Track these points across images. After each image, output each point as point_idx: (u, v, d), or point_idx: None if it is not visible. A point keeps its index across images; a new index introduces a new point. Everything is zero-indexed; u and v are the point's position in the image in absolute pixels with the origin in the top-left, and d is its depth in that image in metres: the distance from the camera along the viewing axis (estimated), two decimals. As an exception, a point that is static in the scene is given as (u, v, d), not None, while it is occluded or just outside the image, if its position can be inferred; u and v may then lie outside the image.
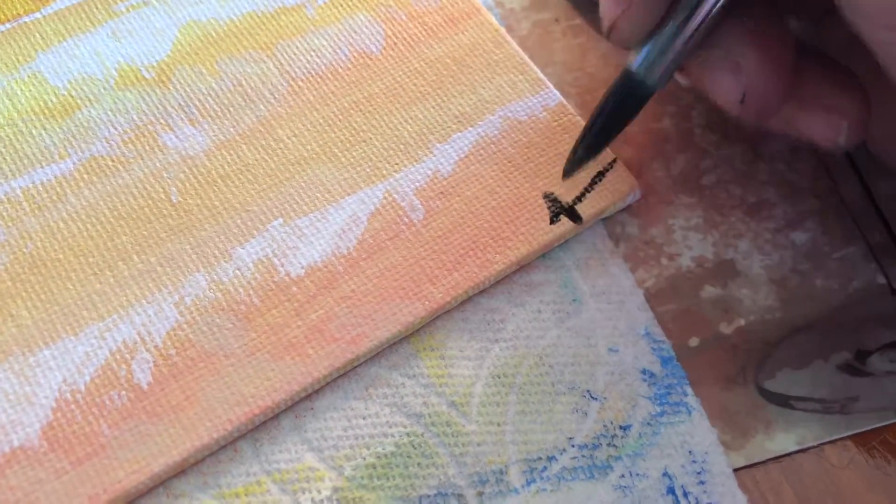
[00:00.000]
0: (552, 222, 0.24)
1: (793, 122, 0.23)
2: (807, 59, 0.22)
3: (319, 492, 0.20)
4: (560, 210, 0.24)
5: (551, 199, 0.24)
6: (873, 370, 0.23)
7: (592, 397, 0.22)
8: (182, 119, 0.25)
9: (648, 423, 0.22)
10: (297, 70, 0.26)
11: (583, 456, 0.22)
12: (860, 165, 0.26)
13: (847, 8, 0.20)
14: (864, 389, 0.23)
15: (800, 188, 0.26)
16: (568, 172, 0.24)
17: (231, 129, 0.25)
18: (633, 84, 0.22)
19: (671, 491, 0.21)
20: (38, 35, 0.26)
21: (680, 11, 0.21)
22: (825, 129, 0.23)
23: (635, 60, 0.22)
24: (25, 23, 0.26)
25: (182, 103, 0.25)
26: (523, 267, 0.24)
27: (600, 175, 0.25)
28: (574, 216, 0.24)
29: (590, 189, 0.24)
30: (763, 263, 0.25)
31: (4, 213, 0.23)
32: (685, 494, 0.21)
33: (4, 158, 0.24)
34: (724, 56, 0.22)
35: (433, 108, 0.25)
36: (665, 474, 0.21)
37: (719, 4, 0.21)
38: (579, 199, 0.24)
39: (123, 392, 0.21)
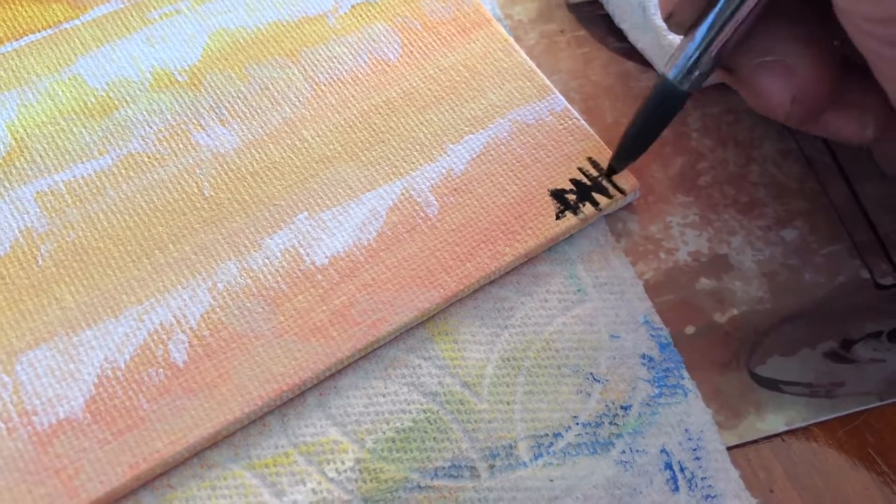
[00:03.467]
0: (558, 218, 0.25)
1: (823, 119, 0.24)
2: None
3: (343, 462, 0.22)
4: (565, 207, 0.26)
5: (558, 197, 0.26)
6: (857, 358, 0.25)
7: (595, 379, 0.24)
8: (213, 119, 0.26)
9: (647, 404, 0.24)
10: (320, 75, 0.28)
11: (586, 433, 0.23)
12: (846, 168, 0.28)
13: (840, 14, 0.21)
14: (848, 375, 0.25)
15: (789, 189, 0.28)
16: (615, 169, 0.26)
17: (259, 130, 0.26)
18: (670, 90, 0.24)
19: (668, 466, 0.23)
20: (77, 40, 0.28)
21: (714, 17, 0.22)
22: (855, 126, 0.24)
23: (672, 68, 0.23)
24: (65, 29, 0.28)
25: (213, 105, 0.27)
26: (531, 259, 0.25)
27: (603, 176, 0.26)
28: (577, 212, 0.26)
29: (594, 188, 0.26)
30: (755, 258, 0.26)
31: (48, 205, 0.25)
32: (682, 469, 0.23)
33: (48, 154, 0.25)
34: (777, 60, 0.23)
35: (447, 111, 0.27)
36: (663, 451, 0.23)
37: (748, 11, 0.22)
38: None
39: (161, 370, 0.22)
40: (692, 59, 0.23)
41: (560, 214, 0.26)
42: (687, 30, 0.23)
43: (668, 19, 0.24)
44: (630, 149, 0.25)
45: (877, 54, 0.21)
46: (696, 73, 0.23)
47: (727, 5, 0.22)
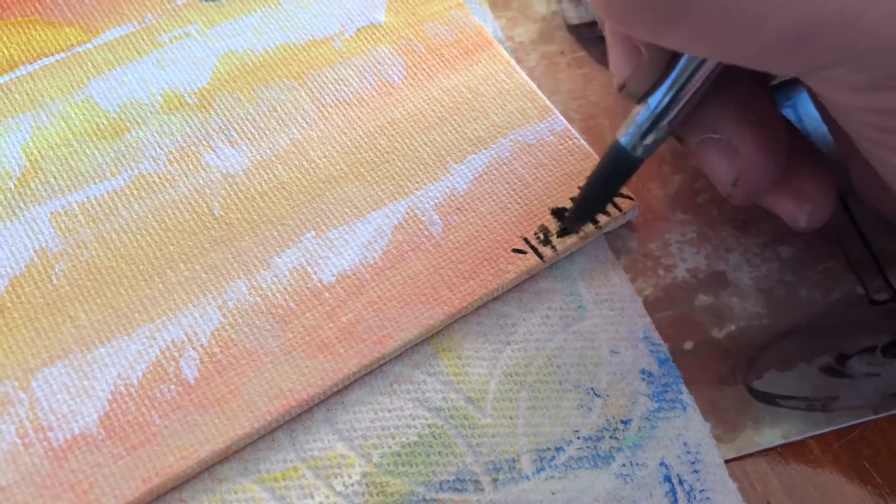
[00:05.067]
0: (559, 236, 0.26)
1: (763, 196, 0.25)
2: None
3: (350, 476, 0.23)
4: (567, 225, 0.26)
5: (558, 215, 0.26)
6: (852, 372, 0.25)
7: (596, 394, 0.24)
8: (223, 141, 0.27)
9: (647, 418, 0.24)
10: (326, 97, 0.28)
11: (587, 447, 0.24)
12: (841, 187, 0.29)
13: (832, 105, 0.21)
14: (843, 389, 0.25)
15: (785, 207, 0.28)
16: (570, 230, 0.26)
17: (267, 151, 0.27)
18: (623, 155, 0.24)
19: (668, 479, 0.23)
20: (89, 64, 0.28)
21: (666, 89, 0.23)
22: (791, 210, 0.24)
23: (624, 136, 0.24)
24: (78, 52, 0.29)
25: (222, 126, 0.27)
26: (532, 276, 0.26)
27: (603, 193, 0.27)
28: (578, 231, 0.26)
29: (593, 206, 0.27)
30: (752, 275, 0.27)
31: (62, 225, 0.25)
32: (680, 482, 0.23)
33: (61, 175, 0.26)
34: (722, 139, 0.23)
35: (450, 132, 0.28)
36: (662, 464, 0.24)
37: (699, 84, 0.22)
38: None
39: (173, 386, 0.23)
40: (644, 127, 0.23)
41: (561, 233, 0.26)
42: (639, 99, 0.23)
43: (620, 90, 0.24)
44: (585, 211, 0.26)
45: (876, 143, 0.21)
46: (649, 140, 0.23)
47: (678, 78, 0.22)
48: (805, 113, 0.30)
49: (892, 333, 0.26)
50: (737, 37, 0.19)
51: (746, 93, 0.24)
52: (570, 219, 0.26)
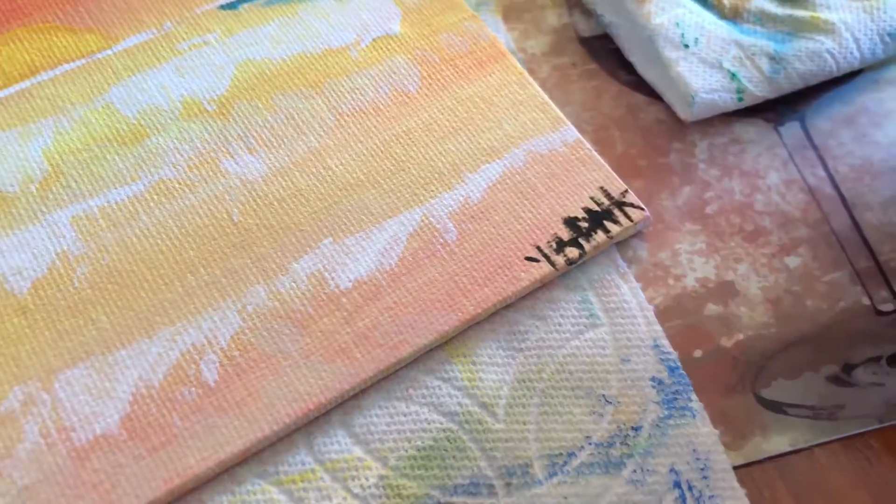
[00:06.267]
0: (571, 244, 0.27)
1: None
2: None
3: (367, 479, 0.23)
4: (578, 234, 0.27)
5: (571, 224, 0.27)
6: (858, 382, 0.26)
7: (607, 401, 0.25)
8: (241, 148, 0.28)
9: (657, 425, 0.25)
10: (343, 106, 0.29)
11: (599, 453, 0.24)
12: (848, 198, 0.29)
13: None
14: (849, 398, 0.26)
15: (793, 218, 0.29)
16: None
17: (285, 158, 0.27)
18: None
19: (678, 485, 0.24)
20: (109, 70, 0.29)
21: None
22: None
23: None
24: (98, 59, 0.29)
25: (241, 134, 0.28)
26: (545, 284, 0.26)
27: (613, 205, 0.27)
28: (590, 240, 0.27)
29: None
30: (760, 285, 0.27)
31: (83, 229, 0.26)
32: (690, 488, 0.24)
33: (82, 180, 0.27)
34: None
35: (464, 141, 0.28)
36: (672, 470, 0.24)
37: None
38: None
39: (193, 388, 0.23)
40: None
41: (573, 241, 0.27)
42: None
43: None
44: None
45: None
46: None
47: None
48: (812, 126, 0.31)
49: (897, 344, 0.26)
50: None
51: None
52: None
